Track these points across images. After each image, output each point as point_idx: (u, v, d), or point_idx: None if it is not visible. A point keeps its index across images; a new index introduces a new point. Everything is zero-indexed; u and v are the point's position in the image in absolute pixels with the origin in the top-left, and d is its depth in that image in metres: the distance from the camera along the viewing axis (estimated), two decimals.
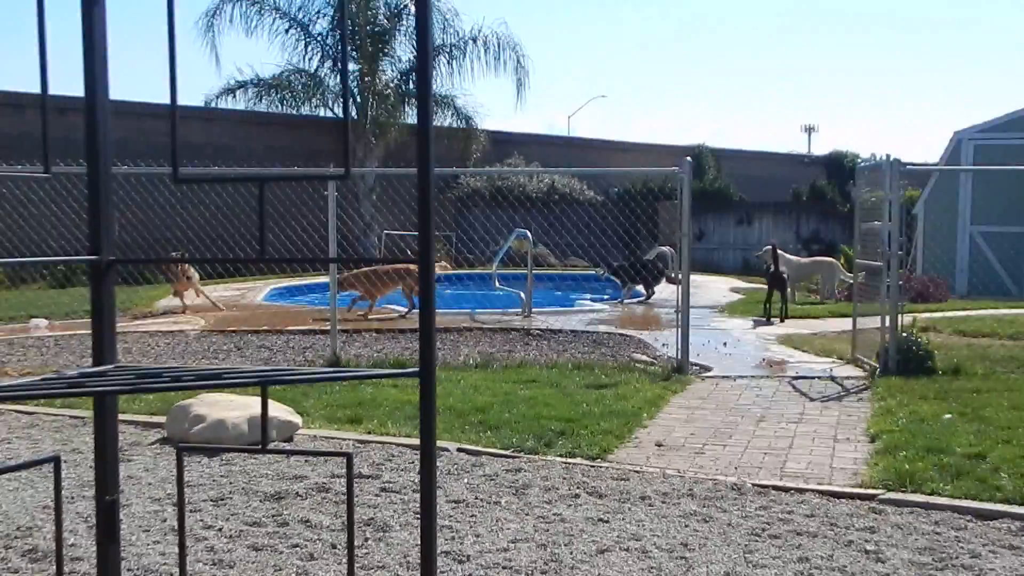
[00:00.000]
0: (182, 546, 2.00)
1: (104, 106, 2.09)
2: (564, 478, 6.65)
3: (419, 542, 5.29)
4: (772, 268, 16.43)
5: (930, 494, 6.30)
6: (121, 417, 7.95)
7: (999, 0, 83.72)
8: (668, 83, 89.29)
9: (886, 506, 6.12)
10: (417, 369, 2.13)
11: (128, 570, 4.80)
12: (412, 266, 14.25)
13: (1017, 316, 16.10)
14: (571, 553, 5.20)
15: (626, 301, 19.09)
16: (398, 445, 7.49)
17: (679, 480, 6.66)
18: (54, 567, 4.80)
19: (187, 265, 16.46)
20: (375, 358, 11.78)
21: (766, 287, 16.66)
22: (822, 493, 6.38)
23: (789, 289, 17.18)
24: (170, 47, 1.91)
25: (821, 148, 51.46)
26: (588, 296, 19.75)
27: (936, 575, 4.94)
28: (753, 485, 6.55)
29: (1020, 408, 8.80)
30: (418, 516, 5.73)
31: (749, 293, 20.21)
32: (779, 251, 17.03)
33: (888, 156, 11.62)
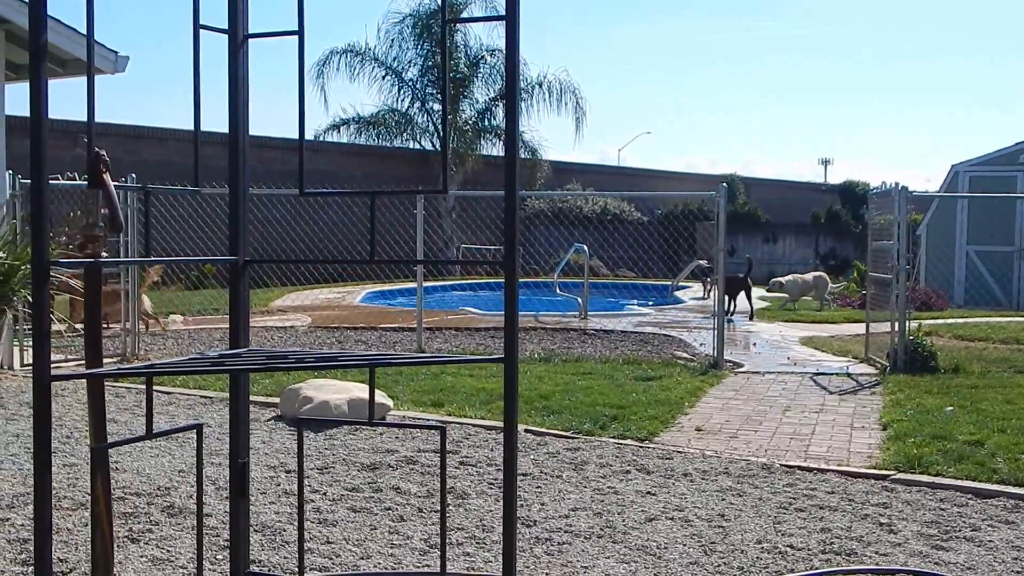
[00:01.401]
0: (300, 505, 2.01)
1: (245, 136, 2.11)
2: (616, 456, 6.60)
3: (492, 508, 5.28)
4: (743, 275, 16.70)
5: (935, 475, 6.15)
6: None
7: (994, 46, 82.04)
8: (705, 121, 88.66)
9: (897, 485, 5.99)
10: (502, 356, 2.12)
11: (250, 526, 4.83)
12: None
13: (1008, 323, 15.79)
14: (623, 520, 5.14)
15: (665, 306, 18.95)
16: (474, 426, 7.48)
17: (716, 460, 6.57)
18: (188, 521, 4.86)
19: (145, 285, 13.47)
20: (454, 351, 11.79)
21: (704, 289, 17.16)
22: (841, 473, 6.25)
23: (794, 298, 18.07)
24: (300, 93, 1.92)
25: (836, 178, 50.63)
26: (635, 302, 19.62)
27: (942, 545, 4.81)
28: (781, 465, 6.44)
29: (1013, 402, 8.57)
30: (492, 486, 5.73)
31: (775, 300, 19.95)
32: (794, 274, 17.21)
33: (897, 184, 11.43)
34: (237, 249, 2.00)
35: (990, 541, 4.88)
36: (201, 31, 1.92)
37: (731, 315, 16.36)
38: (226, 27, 1.99)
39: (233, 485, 2.01)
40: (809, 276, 19.51)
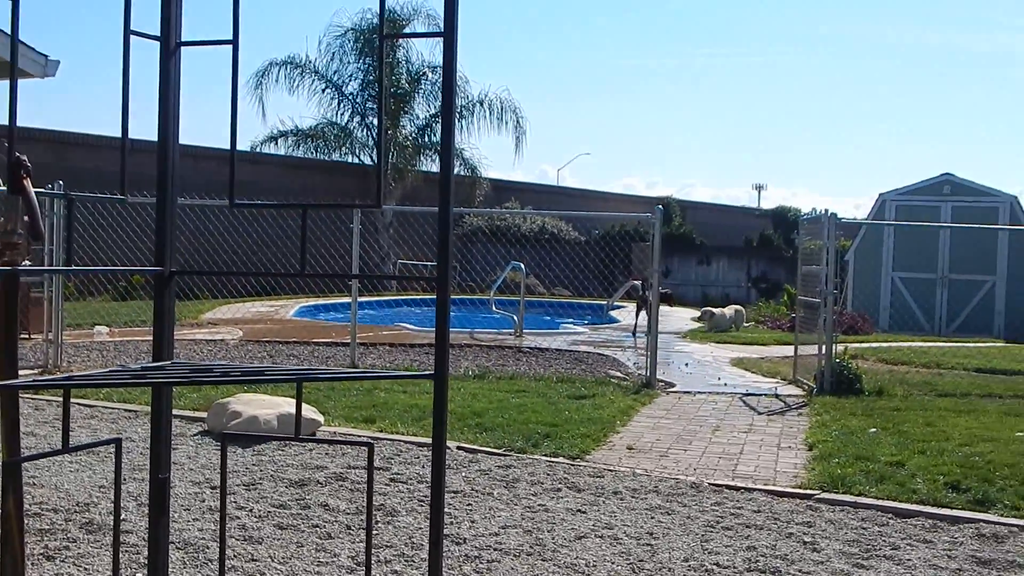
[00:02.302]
0: (223, 522, 1.97)
1: (174, 145, 2.08)
2: (548, 474, 6.60)
3: (422, 526, 5.24)
4: (642, 293, 17.21)
5: (858, 495, 6.26)
6: None
7: (923, 80, 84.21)
8: (644, 143, 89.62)
9: (821, 504, 6.08)
10: (432, 372, 2.11)
11: (171, 543, 4.74)
12: None
13: (929, 348, 16.18)
14: (553, 538, 5.14)
15: (600, 326, 19.09)
16: (406, 442, 7.43)
17: (646, 478, 6.61)
18: (107, 538, 4.74)
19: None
20: (387, 367, 11.73)
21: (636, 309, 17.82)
22: (767, 492, 6.34)
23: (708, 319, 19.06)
24: (233, 104, 1.90)
25: (769, 203, 51.51)
26: (571, 320, 19.71)
27: (863, 563, 4.89)
28: (709, 484, 6.50)
29: (933, 424, 8.77)
30: (422, 503, 5.69)
31: (707, 322, 20.17)
32: (721, 309, 18.10)
33: (827, 211, 11.65)
34: (163, 259, 1.96)
35: (909, 560, 4.98)
36: (133, 37, 1.89)
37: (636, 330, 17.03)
38: (158, 34, 1.96)
39: (153, 502, 1.97)
40: (730, 310, 20.12)
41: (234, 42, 1.85)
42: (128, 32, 1.77)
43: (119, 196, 1.97)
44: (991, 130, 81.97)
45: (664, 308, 19.29)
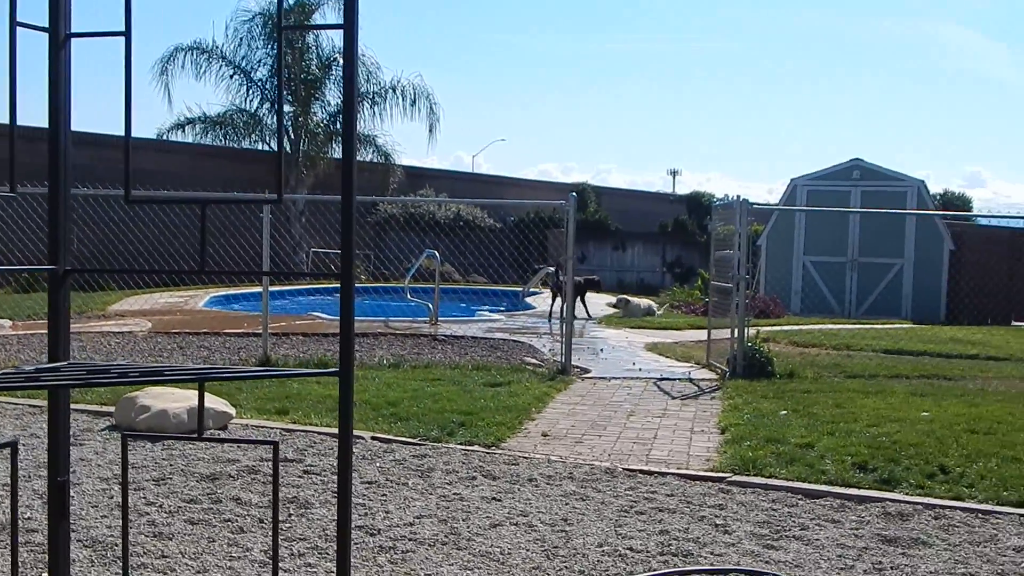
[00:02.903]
0: (125, 519, 1.94)
1: (66, 135, 2.03)
2: (463, 463, 6.63)
3: (335, 518, 5.22)
4: (557, 280, 17.47)
5: (769, 477, 6.42)
6: (75, 406, 7.72)
7: (835, 66, 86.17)
8: (560, 130, 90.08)
9: (733, 487, 6.22)
10: (337, 369, 2.10)
11: (78, 541, 4.64)
12: None
13: (839, 330, 16.58)
14: (468, 527, 5.17)
15: (515, 312, 19.19)
16: (320, 434, 7.39)
17: (561, 465, 6.68)
18: (7, 539, 4.62)
19: None
20: (301, 358, 11.61)
21: (552, 295, 18.01)
22: (680, 476, 6.45)
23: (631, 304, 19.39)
24: (127, 96, 1.87)
25: (683, 189, 52.32)
26: (487, 308, 19.74)
27: (773, 544, 5.02)
28: (623, 469, 6.59)
29: (842, 406, 9.00)
30: (336, 495, 5.66)
31: (623, 309, 20.39)
32: (637, 299, 18.41)
33: (739, 197, 11.88)
34: (57, 257, 1.92)
35: (817, 540, 5.13)
36: (20, 29, 1.84)
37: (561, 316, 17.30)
38: (47, 25, 1.91)
39: (52, 505, 1.93)
40: (645, 302, 20.45)
41: (126, 34, 1.82)
42: (14, 24, 1.72)
43: (8, 192, 1.92)
44: (899, 115, 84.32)
45: (591, 296, 19.55)
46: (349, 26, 1.86)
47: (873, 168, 23.52)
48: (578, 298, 18.35)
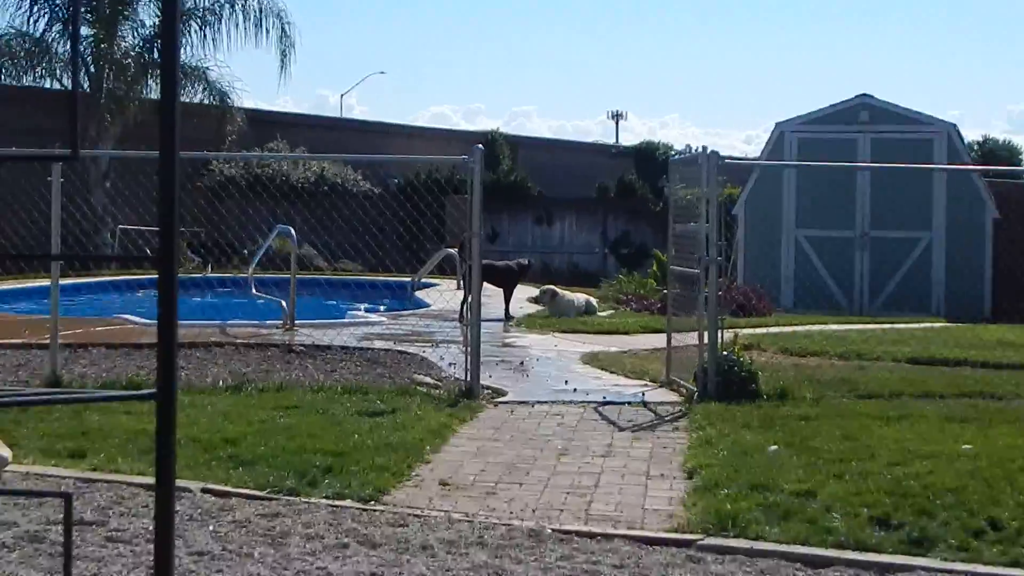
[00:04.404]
0: None
1: None
2: (331, 524, 6.56)
3: None
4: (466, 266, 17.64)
5: (755, 539, 6.45)
6: None
7: None
8: (460, 61, 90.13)
9: (705, 554, 6.24)
10: (154, 391, 2.02)
11: None
12: None
13: (848, 333, 16.72)
14: None
15: (402, 312, 19.14)
16: (130, 485, 7.28)
17: (467, 526, 6.64)
18: None
19: None
20: (104, 378, 11.44)
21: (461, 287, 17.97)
22: (633, 539, 6.46)
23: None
24: None
25: (630, 138, 52.76)
26: (363, 306, 19.62)
27: None
28: (553, 531, 6.58)
29: (853, 437, 9.07)
30: (152, 570, 5.54)
31: (548, 304, 20.44)
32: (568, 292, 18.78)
33: (705, 148, 11.96)
34: None
35: None
36: None
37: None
38: None
39: None
40: (581, 297, 20.16)
41: None
42: None
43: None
44: (918, 37, 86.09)
45: (490, 286, 19.50)
46: None
47: (887, 107, 23.57)
48: (504, 291, 18.59)
